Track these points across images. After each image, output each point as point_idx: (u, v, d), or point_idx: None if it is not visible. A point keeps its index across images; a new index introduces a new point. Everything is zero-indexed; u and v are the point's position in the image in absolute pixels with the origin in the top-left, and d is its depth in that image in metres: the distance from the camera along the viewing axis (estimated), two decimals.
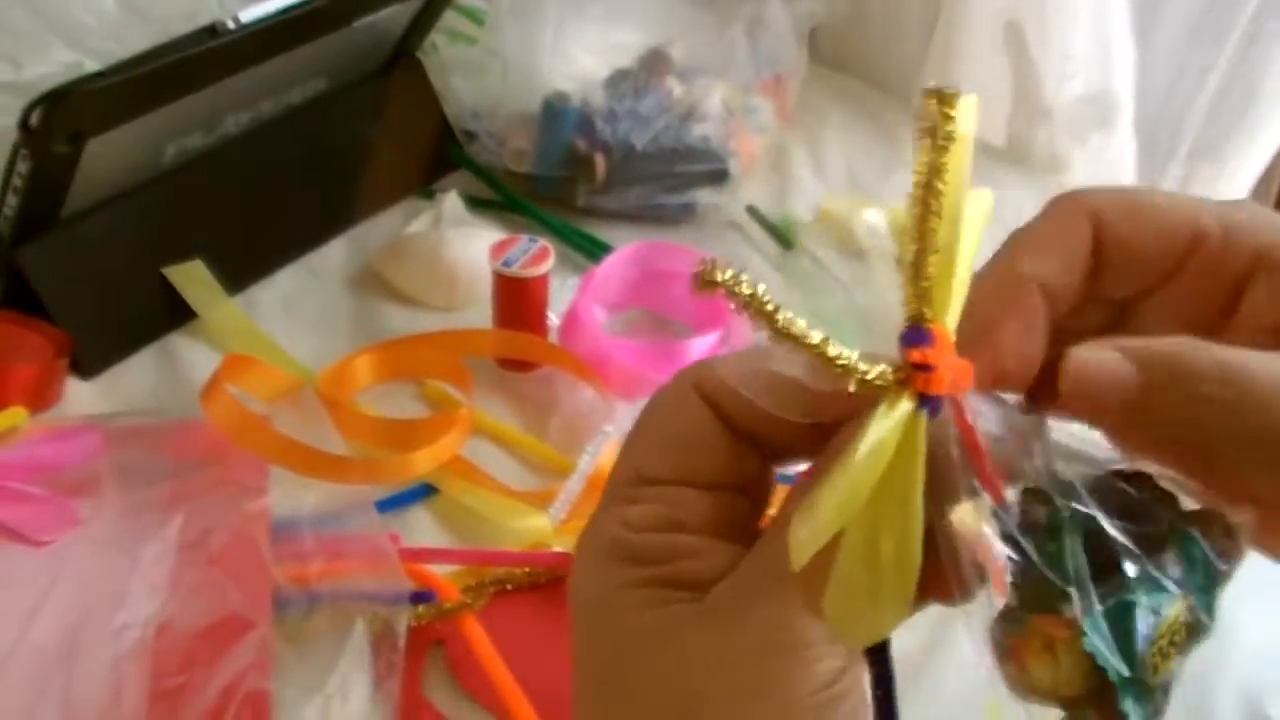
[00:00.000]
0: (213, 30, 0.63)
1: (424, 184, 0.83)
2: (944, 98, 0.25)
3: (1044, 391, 0.30)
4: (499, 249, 0.65)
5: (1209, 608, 0.30)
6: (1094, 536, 0.28)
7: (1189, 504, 0.30)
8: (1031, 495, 0.28)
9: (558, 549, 0.55)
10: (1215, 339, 0.30)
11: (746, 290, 0.25)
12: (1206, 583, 0.30)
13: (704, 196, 0.80)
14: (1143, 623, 0.28)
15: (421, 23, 0.80)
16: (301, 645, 0.50)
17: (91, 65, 0.64)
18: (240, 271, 0.73)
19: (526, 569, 0.55)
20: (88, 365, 0.66)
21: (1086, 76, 0.89)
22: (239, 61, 0.66)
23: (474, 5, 0.89)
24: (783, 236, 0.81)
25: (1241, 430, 0.29)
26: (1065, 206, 0.32)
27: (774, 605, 0.26)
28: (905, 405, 0.26)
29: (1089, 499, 0.28)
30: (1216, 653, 0.57)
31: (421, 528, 0.59)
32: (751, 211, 0.83)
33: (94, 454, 0.57)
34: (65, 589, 0.50)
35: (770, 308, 0.25)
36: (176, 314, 0.69)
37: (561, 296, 0.70)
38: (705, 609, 0.26)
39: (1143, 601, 0.28)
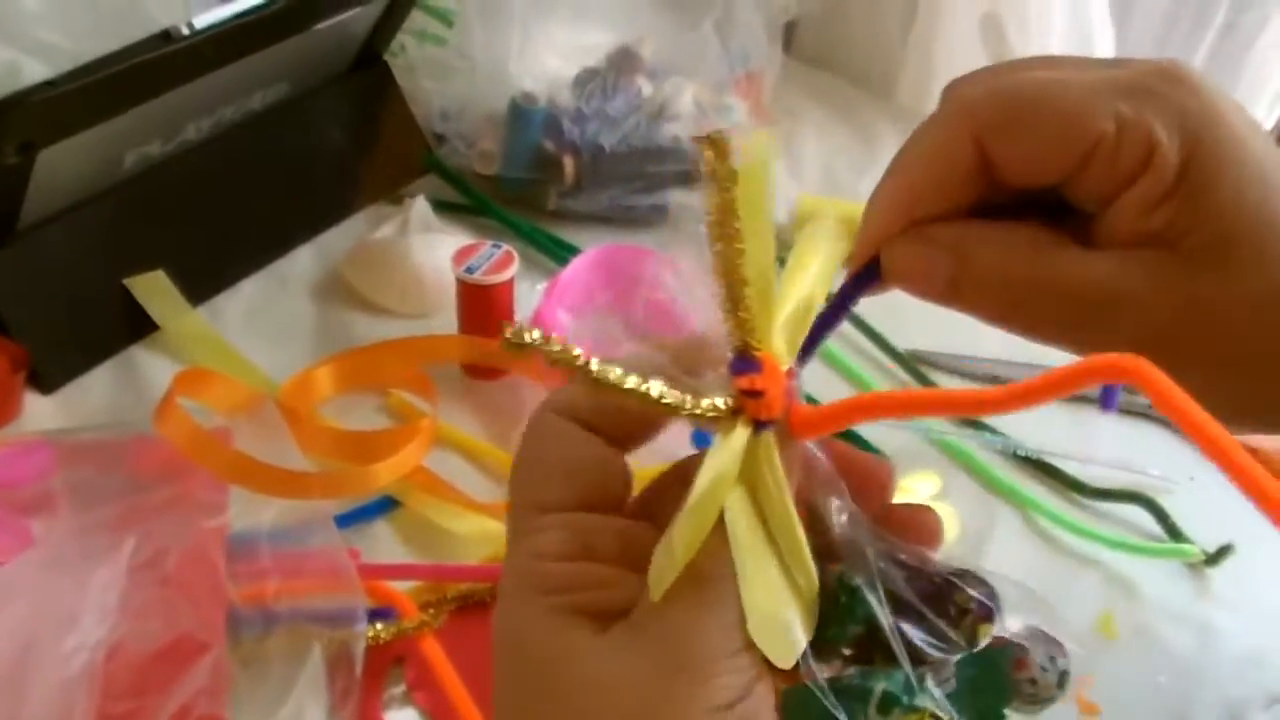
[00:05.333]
0: (167, 35, 0.61)
1: (392, 188, 0.82)
2: (716, 144, 0.25)
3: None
4: (462, 255, 0.64)
5: None
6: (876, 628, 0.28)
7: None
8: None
9: None
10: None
11: (556, 348, 0.25)
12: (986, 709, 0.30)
13: (676, 197, 0.79)
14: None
15: (388, 24, 0.79)
16: (256, 669, 0.49)
17: (31, 64, 0.62)
18: (203, 281, 0.71)
19: (488, 583, 0.54)
20: (47, 380, 0.65)
21: None
22: (196, 68, 0.64)
23: (443, 5, 0.87)
24: None
25: None
26: (947, 125, 0.32)
27: (668, 624, 0.26)
28: (741, 433, 0.27)
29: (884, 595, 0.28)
30: (1197, 662, 0.57)
31: (383, 542, 0.57)
32: None
33: (47, 472, 0.55)
34: (15, 611, 0.48)
35: (581, 362, 0.25)
36: (138, 326, 0.68)
37: (529, 302, 0.69)
38: (607, 633, 0.26)
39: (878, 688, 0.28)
